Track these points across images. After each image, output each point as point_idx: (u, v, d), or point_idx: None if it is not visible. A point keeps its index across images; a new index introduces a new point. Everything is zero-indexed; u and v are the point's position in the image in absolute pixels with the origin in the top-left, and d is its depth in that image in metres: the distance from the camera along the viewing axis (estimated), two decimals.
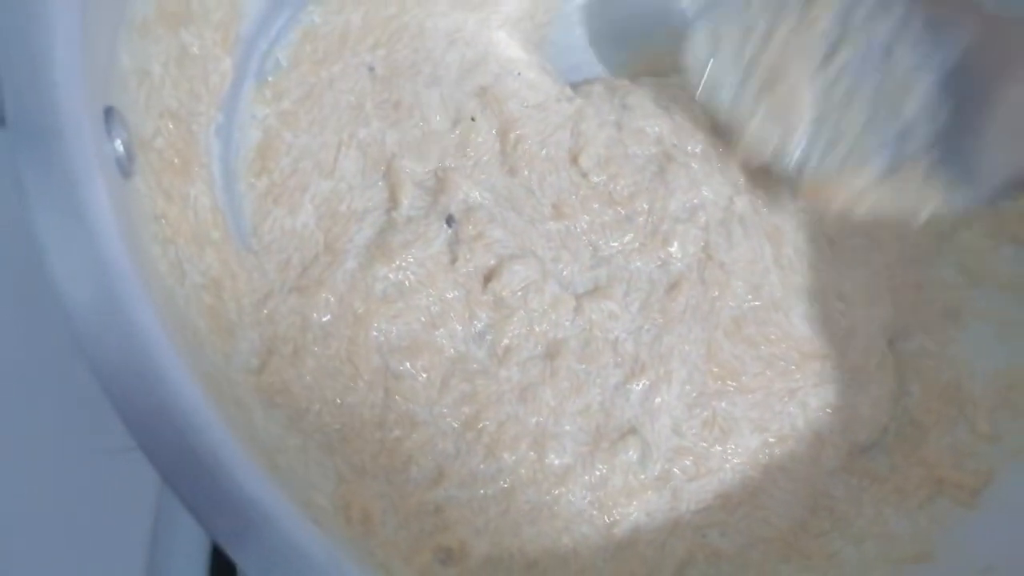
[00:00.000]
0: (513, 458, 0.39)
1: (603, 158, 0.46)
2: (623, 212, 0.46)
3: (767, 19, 0.45)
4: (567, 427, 0.40)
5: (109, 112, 0.27)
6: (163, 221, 0.32)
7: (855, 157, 0.45)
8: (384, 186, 0.43)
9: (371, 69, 0.45)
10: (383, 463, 0.36)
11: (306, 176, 0.42)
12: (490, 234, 0.43)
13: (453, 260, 0.42)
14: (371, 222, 0.42)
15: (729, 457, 0.42)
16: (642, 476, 0.40)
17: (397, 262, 0.41)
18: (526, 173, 0.45)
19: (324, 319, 0.39)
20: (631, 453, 0.40)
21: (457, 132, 0.45)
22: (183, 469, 0.22)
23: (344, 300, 0.40)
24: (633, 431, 0.41)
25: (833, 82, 0.45)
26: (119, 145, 0.27)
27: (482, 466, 0.38)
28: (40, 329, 0.37)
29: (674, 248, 0.45)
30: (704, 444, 0.42)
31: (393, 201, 0.43)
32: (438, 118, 0.45)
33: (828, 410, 0.44)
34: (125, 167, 0.28)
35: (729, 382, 0.44)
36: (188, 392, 0.23)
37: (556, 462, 0.39)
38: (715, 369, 0.44)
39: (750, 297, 0.45)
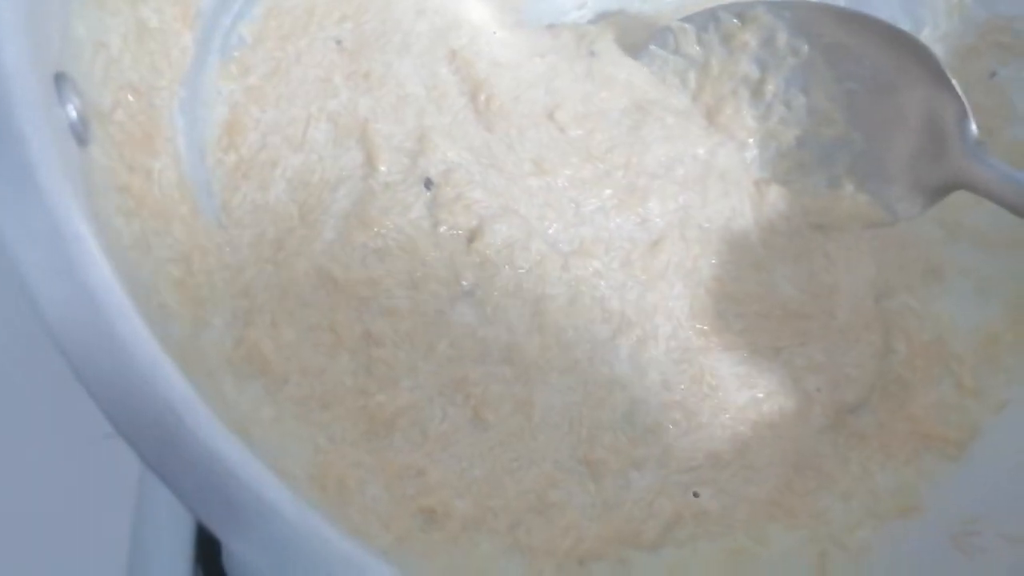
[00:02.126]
0: (499, 418, 0.39)
1: (579, 113, 0.46)
2: (602, 167, 0.46)
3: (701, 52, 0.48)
4: (554, 383, 0.40)
5: (60, 77, 0.26)
6: (126, 193, 0.31)
7: (797, 171, 0.48)
8: (359, 152, 0.42)
9: (339, 42, 0.44)
10: (364, 429, 0.36)
11: (275, 151, 0.41)
12: (470, 195, 0.42)
13: (435, 224, 0.42)
14: (347, 192, 0.42)
15: (718, 413, 0.42)
16: (630, 432, 0.40)
17: (376, 229, 0.41)
18: (504, 127, 0.45)
19: (303, 290, 0.39)
20: (618, 409, 0.40)
21: (433, 94, 0.44)
22: (145, 428, 0.21)
23: (323, 270, 0.40)
24: (622, 387, 0.41)
25: (769, 105, 0.48)
26: (72, 111, 0.27)
27: (467, 427, 0.38)
28: (12, 318, 0.36)
29: (652, 204, 0.45)
30: (693, 399, 0.42)
31: (370, 167, 0.42)
32: (411, 83, 0.44)
33: (814, 369, 0.44)
34: (80, 134, 0.27)
35: (713, 338, 0.44)
36: (148, 351, 0.22)
37: (543, 420, 0.39)
38: (699, 326, 0.44)
39: (731, 256, 0.45)
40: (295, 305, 0.38)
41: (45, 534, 0.40)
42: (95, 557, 0.40)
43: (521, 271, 0.42)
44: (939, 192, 0.44)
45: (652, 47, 0.49)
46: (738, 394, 0.43)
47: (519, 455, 0.38)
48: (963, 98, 0.42)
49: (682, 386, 0.42)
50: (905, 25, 0.50)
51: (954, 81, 0.42)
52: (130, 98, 0.34)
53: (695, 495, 0.40)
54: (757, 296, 0.45)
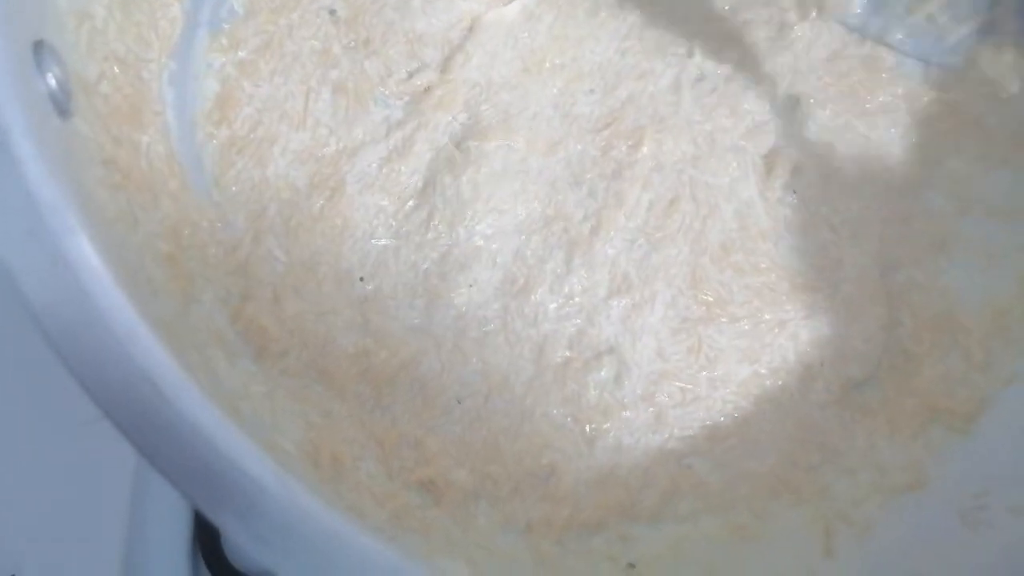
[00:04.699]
0: (492, 366, 0.39)
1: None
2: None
3: None
4: (548, 330, 0.41)
5: (39, 45, 0.26)
6: (112, 167, 0.31)
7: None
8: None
9: (332, 12, 0.44)
10: (364, 398, 0.36)
11: (273, 127, 0.41)
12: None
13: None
14: (366, 156, 0.42)
15: (717, 386, 0.41)
16: (618, 394, 0.40)
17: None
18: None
19: (314, 259, 0.39)
20: (604, 372, 0.40)
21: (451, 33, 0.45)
22: (122, 398, 0.21)
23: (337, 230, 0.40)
24: (611, 350, 0.41)
25: None
26: (51, 80, 0.26)
27: (462, 381, 0.38)
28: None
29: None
30: (690, 371, 0.41)
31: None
32: (420, 26, 0.44)
33: (820, 343, 0.43)
34: (62, 104, 0.27)
35: (715, 309, 0.43)
36: (126, 321, 0.22)
37: (530, 369, 0.39)
38: (701, 296, 0.43)
39: (735, 226, 0.44)
40: (302, 275, 0.38)
41: (40, 521, 0.40)
42: (91, 542, 0.40)
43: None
44: None
45: None
46: (739, 368, 0.42)
47: (510, 410, 0.38)
48: None
49: (677, 356, 0.42)
50: None
51: None
52: (116, 69, 0.33)
53: (688, 466, 0.40)
54: (764, 267, 0.44)
